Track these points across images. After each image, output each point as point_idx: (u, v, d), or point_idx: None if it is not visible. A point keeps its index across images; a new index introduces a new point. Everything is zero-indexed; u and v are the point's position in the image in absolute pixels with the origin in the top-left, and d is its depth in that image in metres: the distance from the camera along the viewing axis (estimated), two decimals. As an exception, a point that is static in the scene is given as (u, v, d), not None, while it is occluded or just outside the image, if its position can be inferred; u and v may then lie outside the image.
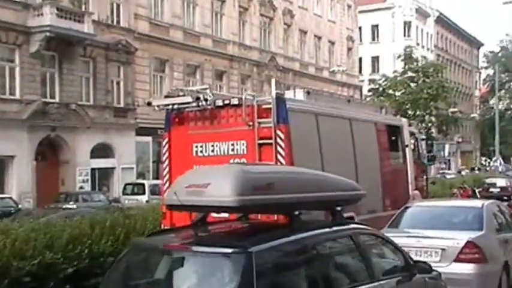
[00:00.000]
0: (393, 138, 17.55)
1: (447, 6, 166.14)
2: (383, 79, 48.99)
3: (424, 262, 8.48)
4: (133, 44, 39.92)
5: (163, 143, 14.11)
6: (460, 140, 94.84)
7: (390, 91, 41.02)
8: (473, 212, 12.53)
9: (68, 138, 35.65)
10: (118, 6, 40.06)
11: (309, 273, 6.55)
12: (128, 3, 40.27)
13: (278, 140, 12.40)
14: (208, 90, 13.35)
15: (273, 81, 13.06)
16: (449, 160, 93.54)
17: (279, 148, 12.38)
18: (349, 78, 66.28)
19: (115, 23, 39.72)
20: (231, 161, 12.83)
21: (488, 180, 45.23)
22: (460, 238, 11.25)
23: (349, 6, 68.29)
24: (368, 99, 41.00)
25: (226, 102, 13.09)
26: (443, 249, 11.22)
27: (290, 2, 56.78)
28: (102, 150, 38.09)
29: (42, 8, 33.96)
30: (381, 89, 42.98)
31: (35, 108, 33.83)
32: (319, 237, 6.94)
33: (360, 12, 74.56)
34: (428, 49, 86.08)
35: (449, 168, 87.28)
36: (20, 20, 33.66)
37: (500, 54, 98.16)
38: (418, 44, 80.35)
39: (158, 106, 14.00)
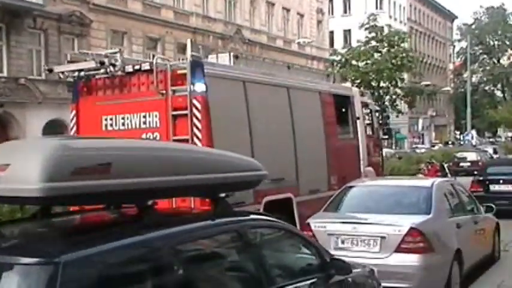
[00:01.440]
0: (342, 109, 15.59)
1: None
2: (345, 50, 47.22)
3: (342, 260, 6.59)
4: (88, 15, 37.63)
5: (71, 116, 12.21)
6: (433, 114, 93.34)
7: (353, 62, 38.87)
8: (421, 193, 10.61)
9: (18, 115, 33.43)
10: (71, -25, 37.73)
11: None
12: (81, -28, 38.00)
13: (194, 110, 10.55)
14: (118, 55, 11.44)
15: (189, 41, 11.03)
16: (422, 134, 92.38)
17: (194, 120, 10.55)
18: (319, 51, 63.74)
19: (68, -7, 37.38)
20: (143, 135, 11.04)
21: (458, 155, 43.77)
22: (402, 224, 9.43)
23: (318, -22, 66.22)
24: (330, 69, 38.98)
25: (137, 67, 11.19)
26: (383, 237, 9.42)
27: (257, -28, 54.61)
28: (55, 127, 35.72)
29: (-15, -25, 31.82)
30: (343, 59, 40.77)
31: (-21, 84, 31.79)
32: (181, 236, 4.99)
33: (331, -16, 72.58)
34: (401, 22, 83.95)
35: (423, 143, 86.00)
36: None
37: (473, 27, 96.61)
38: (390, 17, 78.43)
39: (62, 73, 12.06)
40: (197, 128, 10.45)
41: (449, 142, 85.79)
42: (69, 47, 36.59)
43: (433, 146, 74.17)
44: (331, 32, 73.51)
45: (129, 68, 11.17)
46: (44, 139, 4.83)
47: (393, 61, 37.22)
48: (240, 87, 11.64)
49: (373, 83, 37.36)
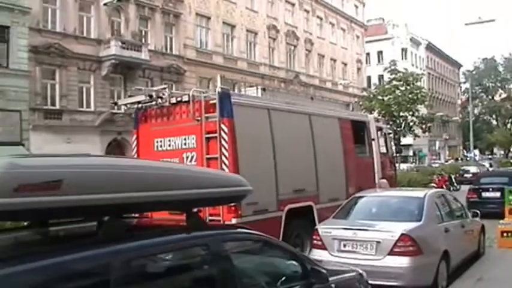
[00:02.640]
0: (359, 132, 13.79)
1: (435, 35, 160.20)
2: (373, 87, 45.28)
3: (319, 270, 4.99)
4: (182, 67, 36.98)
5: (133, 139, 11.00)
6: (447, 137, 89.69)
7: (379, 97, 36.87)
8: (415, 203, 8.82)
9: (131, 140, 32.77)
10: (171, 38, 37.16)
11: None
12: (178, 36, 37.39)
13: (222, 133, 9.13)
14: (166, 90, 10.20)
15: (219, 76, 9.68)
16: (439, 153, 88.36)
17: (222, 141, 9.12)
18: (358, 91, 61.33)
19: (168, 51, 36.79)
20: (184, 154, 9.70)
21: (463, 168, 40.82)
22: (394, 230, 7.72)
23: (357, 37, 63.85)
24: (361, 103, 37.13)
25: (179, 99, 9.89)
26: (378, 242, 7.73)
27: (310, 33, 52.83)
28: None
29: (109, 42, 31.88)
30: (371, 95, 38.80)
31: (105, 118, 31.61)
32: (134, 252, 3.57)
33: (368, 42, 70.12)
34: (420, 69, 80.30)
35: (439, 159, 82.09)
36: (94, 52, 31.66)
37: (474, 72, 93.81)
38: (412, 65, 75.15)
39: (125, 105, 10.93)
40: (224, 148, 9.07)
41: (459, 158, 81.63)
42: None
43: (447, 162, 70.65)
44: (369, 77, 70.96)
45: (173, 100, 9.93)
46: None
47: (409, 96, 35.02)
48: (264, 114, 10.17)
49: (395, 113, 35.13)
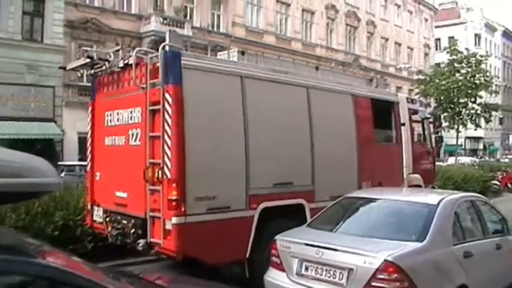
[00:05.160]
0: (383, 114, 10.79)
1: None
2: (430, 70, 40.79)
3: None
4: (229, 45, 34.68)
5: (89, 112, 8.86)
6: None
7: (436, 80, 32.74)
8: (422, 213, 5.87)
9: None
10: (218, 16, 35.11)
11: None
12: (226, 13, 35.25)
13: (166, 104, 6.76)
14: (119, 52, 7.97)
15: (167, 32, 7.25)
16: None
17: (166, 115, 6.75)
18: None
19: (215, 29, 34.70)
20: (130, 131, 7.49)
21: (535, 165, 36.08)
22: (375, 255, 5.03)
23: (426, 20, 59.55)
24: (415, 86, 33.33)
25: (126, 62, 7.61)
26: (351, 270, 5.08)
27: (373, 14, 49.30)
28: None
29: (150, 17, 30.40)
30: (428, 78, 34.59)
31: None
32: None
33: (438, 27, 65.30)
34: (496, 56, 74.63)
35: (512, 154, 75.80)
36: (134, 28, 30.39)
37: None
38: (486, 52, 69.31)
39: (75, 70, 8.81)
40: (167, 123, 6.70)
41: (538, 154, 75.00)
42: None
43: (523, 157, 64.61)
44: (438, 64, 66.03)
45: (121, 63, 7.68)
46: None
47: (471, 79, 30.88)
48: (235, 83, 7.59)
49: (454, 99, 31.17)
